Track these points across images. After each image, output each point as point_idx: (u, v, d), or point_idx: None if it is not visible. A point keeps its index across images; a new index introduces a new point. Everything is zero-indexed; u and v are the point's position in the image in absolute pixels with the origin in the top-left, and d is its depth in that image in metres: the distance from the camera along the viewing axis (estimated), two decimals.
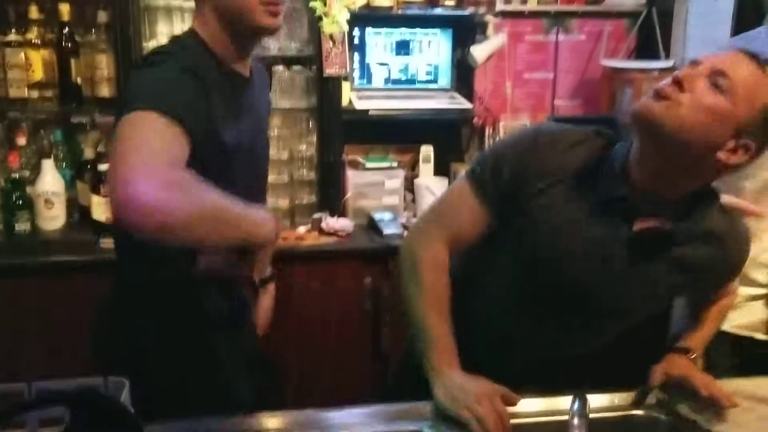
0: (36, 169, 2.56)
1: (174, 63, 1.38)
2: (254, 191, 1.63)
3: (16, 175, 2.52)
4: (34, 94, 2.54)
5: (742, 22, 2.67)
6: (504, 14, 3.01)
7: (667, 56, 3.00)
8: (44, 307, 2.37)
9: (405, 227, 2.69)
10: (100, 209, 2.52)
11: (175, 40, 1.53)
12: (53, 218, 2.53)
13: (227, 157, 1.46)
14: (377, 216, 2.71)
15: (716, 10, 2.76)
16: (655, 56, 3.03)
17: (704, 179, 1.32)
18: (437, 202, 1.57)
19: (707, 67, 1.24)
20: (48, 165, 2.52)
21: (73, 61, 2.53)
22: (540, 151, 1.38)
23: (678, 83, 1.23)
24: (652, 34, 3.07)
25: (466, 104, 2.95)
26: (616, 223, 1.35)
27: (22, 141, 2.55)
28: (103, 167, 2.50)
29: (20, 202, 2.50)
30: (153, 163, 1.15)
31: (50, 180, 2.51)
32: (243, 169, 1.53)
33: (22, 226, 2.51)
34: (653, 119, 1.23)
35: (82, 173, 2.61)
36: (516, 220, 1.40)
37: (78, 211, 2.64)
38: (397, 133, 3.00)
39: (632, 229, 1.35)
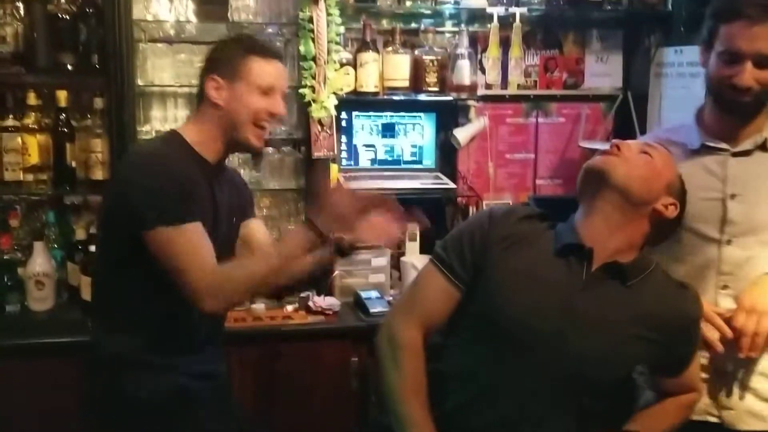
0: (27, 250, 2.60)
1: (167, 167, 1.67)
2: None
3: (8, 257, 2.56)
4: (29, 177, 2.59)
5: None
6: (485, 98, 3.13)
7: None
8: (33, 388, 2.36)
9: (391, 305, 2.72)
10: (89, 290, 2.54)
11: (165, 142, 1.81)
12: (43, 299, 2.56)
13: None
14: (364, 294, 2.75)
15: (689, 95, 2.87)
16: (631, 138, 3.12)
17: (644, 230, 1.54)
18: (409, 287, 1.70)
19: (638, 143, 1.61)
20: (39, 246, 2.56)
21: (68, 145, 2.60)
22: (496, 221, 1.56)
23: (618, 147, 1.55)
24: (629, 117, 3.19)
25: (450, 184, 3.04)
26: (574, 267, 1.50)
27: (15, 223, 2.61)
28: (93, 248, 2.54)
29: (11, 283, 2.54)
30: (203, 280, 1.59)
31: (41, 261, 2.55)
32: (216, 245, 1.72)
33: (12, 307, 2.54)
34: (605, 168, 1.52)
35: (72, 254, 2.64)
36: (482, 286, 1.52)
37: (67, 291, 2.67)
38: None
39: (590, 270, 1.49)
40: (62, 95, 2.58)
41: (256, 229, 2.03)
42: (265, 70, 1.78)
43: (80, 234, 2.65)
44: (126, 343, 1.74)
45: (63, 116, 2.59)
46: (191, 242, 1.62)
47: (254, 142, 1.80)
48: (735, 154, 1.74)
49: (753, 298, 1.63)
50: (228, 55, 1.80)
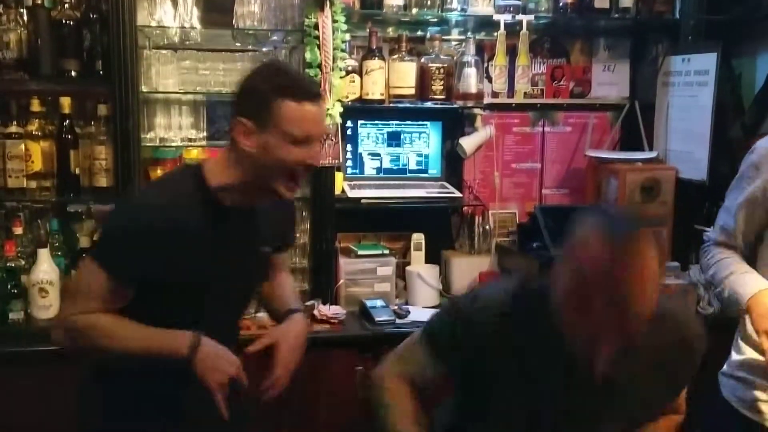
0: (31, 258, 2.58)
1: (148, 211, 1.59)
2: (234, 300, 1.82)
3: (12, 264, 2.54)
4: (33, 184, 2.58)
5: (721, 116, 2.78)
6: (492, 107, 3.12)
7: (650, 148, 3.10)
8: (37, 396, 2.34)
9: (397, 314, 2.70)
10: None
11: (176, 181, 1.69)
12: (47, 307, 2.53)
13: (199, 280, 1.62)
14: (369, 303, 2.73)
15: (696, 105, 2.87)
16: (638, 147, 3.13)
17: None
18: (405, 342, 1.71)
19: None
20: (44, 254, 2.53)
21: (72, 152, 2.58)
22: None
23: None
24: (635, 126, 3.18)
25: (456, 193, 3.02)
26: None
27: (18, 230, 2.58)
28: None
29: (15, 290, 2.52)
30: (70, 309, 1.63)
31: (45, 269, 2.52)
32: (219, 286, 1.67)
33: (15, 315, 2.52)
34: None
35: (76, 262, 2.62)
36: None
37: None
38: (388, 221, 3.05)
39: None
40: (66, 102, 2.56)
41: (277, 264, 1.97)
42: (301, 117, 1.54)
43: (84, 241, 2.63)
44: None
45: (67, 123, 2.58)
46: (93, 284, 1.60)
47: (285, 195, 1.62)
48: None
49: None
50: (258, 96, 1.56)
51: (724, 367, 1.99)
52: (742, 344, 1.93)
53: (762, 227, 1.85)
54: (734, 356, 1.95)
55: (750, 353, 1.88)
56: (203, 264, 1.62)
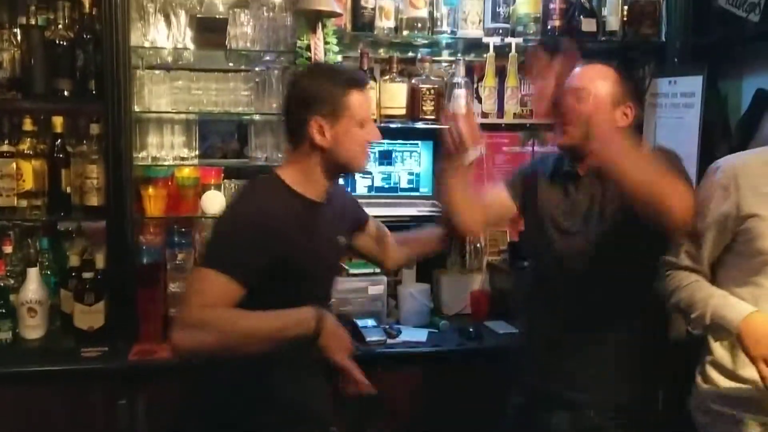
0: (21, 277, 2.57)
1: (249, 216, 1.75)
2: (325, 286, 2.01)
3: (1, 283, 2.53)
4: (23, 203, 2.58)
5: (708, 138, 2.81)
6: (482, 127, 3.11)
7: None
8: (24, 417, 2.33)
9: (388, 334, 2.70)
10: (82, 317, 2.52)
11: (265, 187, 1.85)
12: (35, 327, 2.52)
13: (300, 269, 1.79)
14: (360, 322, 2.73)
15: (683, 126, 2.90)
16: None
17: None
18: None
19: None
20: (33, 273, 2.53)
21: (63, 171, 2.59)
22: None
23: None
24: None
25: None
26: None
27: (8, 249, 2.58)
28: (87, 275, 2.52)
29: (3, 310, 2.50)
30: (189, 310, 1.68)
31: (35, 288, 2.52)
32: (314, 274, 1.87)
33: (3, 334, 2.50)
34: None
35: (66, 281, 2.61)
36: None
37: (60, 319, 2.63)
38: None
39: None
40: (58, 121, 2.57)
41: (371, 231, 2.19)
42: (364, 103, 1.83)
43: (74, 261, 2.62)
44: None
45: (59, 142, 2.59)
46: (208, 286, 1.67)
47: (364, 166, 1.90)
48: None
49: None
50: (327, 93, 1.78)
51: (692, 402, 1.92)
52: (712, 373, 1.86)
53: (723, 251, 1.82)
54: (703, 387, 1.88)
55: (724, 382, 1.82)
56: (307, 256, 1.79)
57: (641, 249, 1.92)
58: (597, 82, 2.02)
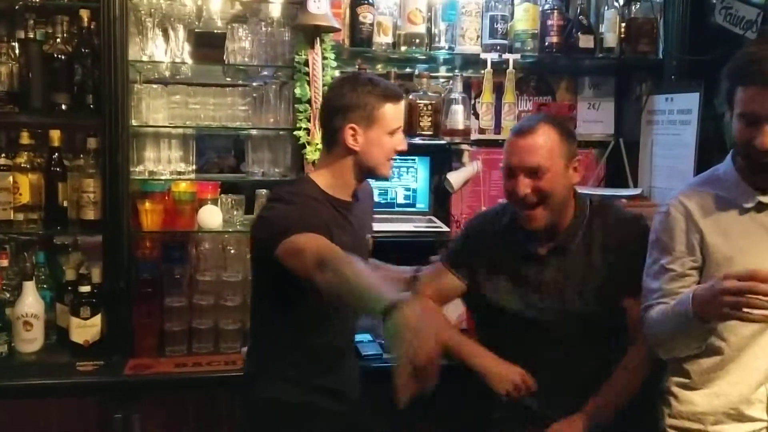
0: (16, 291, 2.56)
1: (303, 200, 1.91)
2: None
3: None
4: (20, 216, 2.58)
5: (705, 154, 2.82)
6: (479, 143, 3.15)
7: (635, 185, 3.13)
8: (20, 430, 2.33)
9: (384, 348, 2.69)
10: (78, 331, 2.51)
11: (299, 184, 2.07)
12: (31, 340, 2.52)
13: None
14: (357, 337, 2.71)
15: (680, 143, 2.91)
16: (623, 184, 3.16)
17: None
18: None
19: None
20: (29, 287, 2.52)
21: (60, 185, 2.59)
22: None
23: None
24: (620, 163, 3.22)
25: (443, 227, 3.04)
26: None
27: (4, 262, 2.58)
28: (83, 289, 2.52)
29: None
30: (319, 249, 1.72)
31: (31, 302, 2.51)
32: None
33: None
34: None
35: (62, 295, 2.61)
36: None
37: (56, 333, 2.63)
38: (376, 255, 3.02)
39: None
40: (56, 135, 2.57)
41: None
42: (397, 114, 2.00)
43: (70, 275, 2.61)
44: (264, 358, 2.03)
45: (56, 156, 2.59)
46: (311, 238, 1.74)
47: (387, 172, 2.05)
48: None
49: None
50: (364, 102, 1.94)
51: (663, 423, 1.94)
52: (678, 392, 1.91)
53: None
54: (674, 406, 1.92)
55: (689, 399, 1.89)
56: (339, 238, 1.87)
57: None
58: (546, 151, 1.98)
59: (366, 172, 2.03)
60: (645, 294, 1.90)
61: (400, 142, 2.03)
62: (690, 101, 2.86)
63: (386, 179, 2.12)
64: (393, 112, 1.98)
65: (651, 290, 1.88)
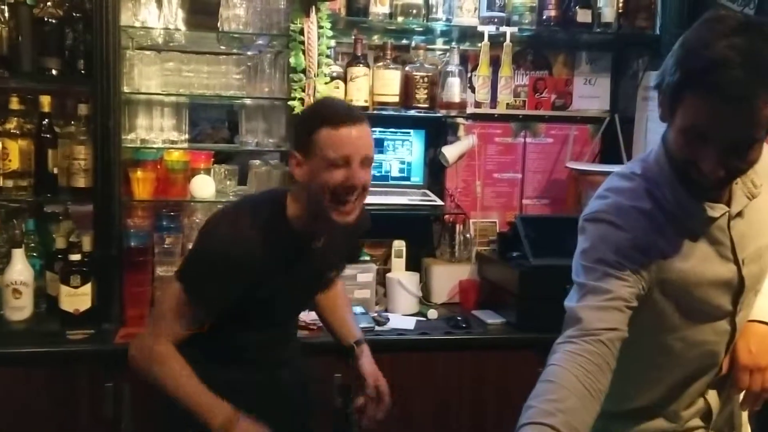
0: (6, 258, 2.53)
1: (234, 240, 1.66)
2: (288, 324, 2.03)
3: None
4: (9, 183, 2.53)
5: None
6: (474, 117, 3.13)
7: (629, 160, 3.12)
8: (9, 399, 2.30)
9: (376, 321, 2.69)
10: (68, 300, 2.49)
11: (262, 211, 1.75)
12: (20, 308, 2.49)
13: (266, 303, 1.76)
14: None
15: None
16: (618, 160, 3.15)
17: None
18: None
19: None
20: (18, 254, 2.49)
21: (50, 152, 2.55)
22: None
23: None
24: (615, 139, 3.21)
25: (437, 201, 3.03)
26: None
27: None
28: (74, 257, 2.49)
29: None
30: (149, 336, 1.74)
31: (20, 269, 2.48)
32: (282, 309, 1.86)
33: None
34: None
35: (52, 263, 2.58)
36: None
37: (46, 301, 2.60)
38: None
39: None
40: (46, 100, 2.53)
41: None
42: (337, 141, 1.62)
43: (60, 243, 2.58)
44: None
45: (46, 122, 2.54)
46: (181, 310, 1.70)
47: (336, 219, 1.67)
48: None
49: (753, 355, 1.46)
50: (302, 127, 1.70)
51: None
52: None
53: None
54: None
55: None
56: (281, 289, 1.76)
57: None
58: None
59: (311, 210, 1.70)
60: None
61: (351, 176, 1.63)
62: None
63: (344, 227, 1.73)
64: (332, 139, 1.62)
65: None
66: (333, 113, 1.66)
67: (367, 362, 2.00)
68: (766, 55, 1.21)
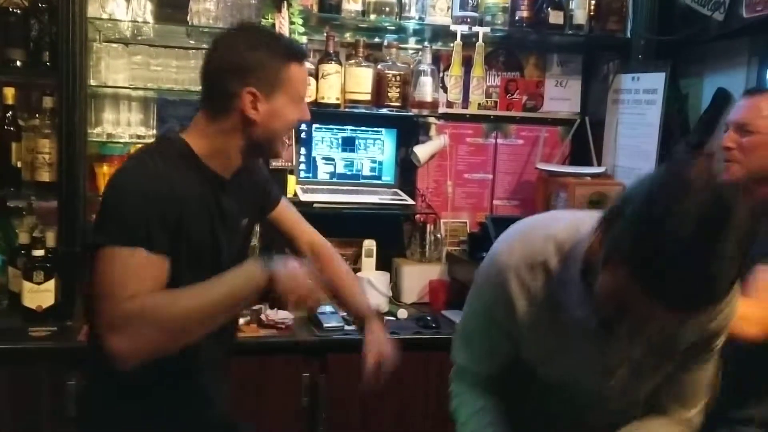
0: None
1: (151, 181, 1.50)
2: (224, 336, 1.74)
3: None
4: None
5: (668, 135, 2.84)
6: (446, 117, 3.13)
7: (599, 163, 3.15)
8: None
9: (346, 321, 2.67)
10: (31, 296, 2.44)
11: (163, 143, 1.64)
12: None
13: (196, 252, 1.57)
14: (318, 309, 2.69)
15: (644, 123, 2.93)
16: (587, 162, 3.18)
17: None
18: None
19: None
20: None
21: (14, 145, 2.49)
22: None
23: None
24: (585, 141, 3.23)
25: (408, 201, 3.02)
26: None
27: None
28: (37, 253, 2.44)
29: None
30: (115, 306, 1.41)
31: None
32: (217, 259, 1.62)
33: None
34: None
35: (14, 259, 2.53)
36: None
37: (8, 297, 2.55)
38: (340, 227, 2.99)
39: None
40: (9, 92, 2.48)
41: (282, 214, 1.96)
42: (303, 77, 1.65)
43: (23, 238, 2.53)
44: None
45: (9, 114, 2.49)
46: (124, 267, 1.43)
47: (282, 152, 1.73)
48: None
49: None
50: (265, 63, 1.57)
51: None
52: None
53: None
54: None
55: None
56: (214, 230, 1.62)
57: None
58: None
59: (257, 148, 1.63)
60: None
61: (305, 112, 1.68)
62: (656, 81, 2.87)
63: (277, 159, 1.80)
64: (300, 76, 1.62)
65: None
66: (299, 50, 1.68)
67: (368, 338, 1.88)
68: (721, 271, 1.04)
